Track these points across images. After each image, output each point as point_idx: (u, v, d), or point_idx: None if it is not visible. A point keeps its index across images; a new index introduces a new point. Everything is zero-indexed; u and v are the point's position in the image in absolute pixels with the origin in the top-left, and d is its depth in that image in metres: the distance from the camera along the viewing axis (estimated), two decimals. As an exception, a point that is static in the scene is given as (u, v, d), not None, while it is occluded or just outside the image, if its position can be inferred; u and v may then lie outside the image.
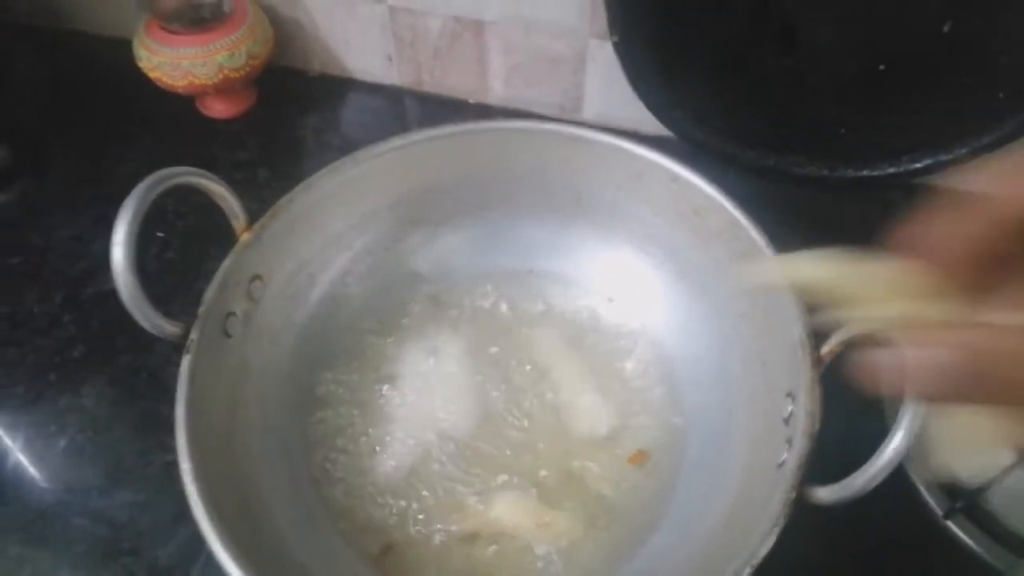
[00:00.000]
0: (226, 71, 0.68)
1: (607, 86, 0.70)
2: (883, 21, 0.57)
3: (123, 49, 0.71)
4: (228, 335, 0.40)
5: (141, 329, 0.58)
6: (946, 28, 0.56)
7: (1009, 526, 0.42)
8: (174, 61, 0.67)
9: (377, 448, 0.45)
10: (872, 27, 0.58)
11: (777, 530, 0.31)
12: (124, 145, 0.72)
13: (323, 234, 0.46)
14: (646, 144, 0.45)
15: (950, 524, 0.43)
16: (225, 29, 0.68)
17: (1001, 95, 0.57)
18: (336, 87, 0.78)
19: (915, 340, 0.20)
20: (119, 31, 0.79)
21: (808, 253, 0.25)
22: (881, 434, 0.42)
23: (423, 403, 0.47)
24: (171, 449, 0.52)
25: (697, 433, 0.43)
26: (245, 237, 0.41)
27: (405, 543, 0.42)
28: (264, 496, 0.39)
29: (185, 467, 0.33)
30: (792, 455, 0.33)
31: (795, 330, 0.36)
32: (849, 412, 0.36)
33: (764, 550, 0.31)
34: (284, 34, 0.76)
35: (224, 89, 0.71)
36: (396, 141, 0.46)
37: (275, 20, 0.74)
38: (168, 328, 0.37)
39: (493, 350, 0.49)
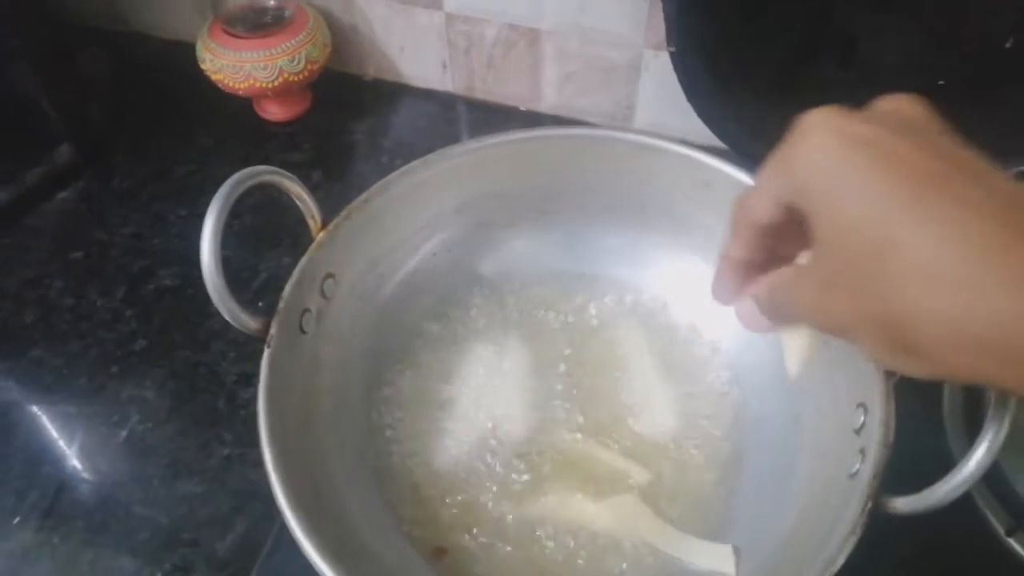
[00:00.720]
0: (286, 74, 0.70)
1: (659, 96, 0.70)
2: (943, 36, 0.57)
3: (185, 51, 0.73)
4: (303, 331, 0.41)
5: (198, 325, 0.60)
6: (1008, 44, 0.56)
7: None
8: (236, 64, 0.68)
9: (437, 441, 0.46)
10: (933, 43, 0.58)
11: (854, 539, 0.31)
12: (183, 145, 0.74)
13: (393, 235, 0.47)
14: (714, 154, 0.46)
15: (1012, 542, 0.43)
16: (286, 34, 0.69)
17: (1061, 112, 0.57)
18: (389, 92, 0.80)
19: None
20: (182, 35, 0.81)
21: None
22: (941, 446, 0.43)
23: (484, 403, 0.47)
24: (228, 443, 0.54)
25: (764, 441, 0.44)
26: (320, 236, 0.42)
27: (459, 542, 0.42)
28: (335, 484, 0.39)
29: (267, 454, 0.34)
30: (867, 465, 0.33)
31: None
32: (909, 423, 0.36)
33: (842, 559, 0.31)
34: (341, 40, 0.77)
35: (282, 92, 0.72)
36: (467, 145, 0.46)
37: (333, 26, 0.75)
38: (250, 323, 0.38)
39: (555, 352, 0.49)
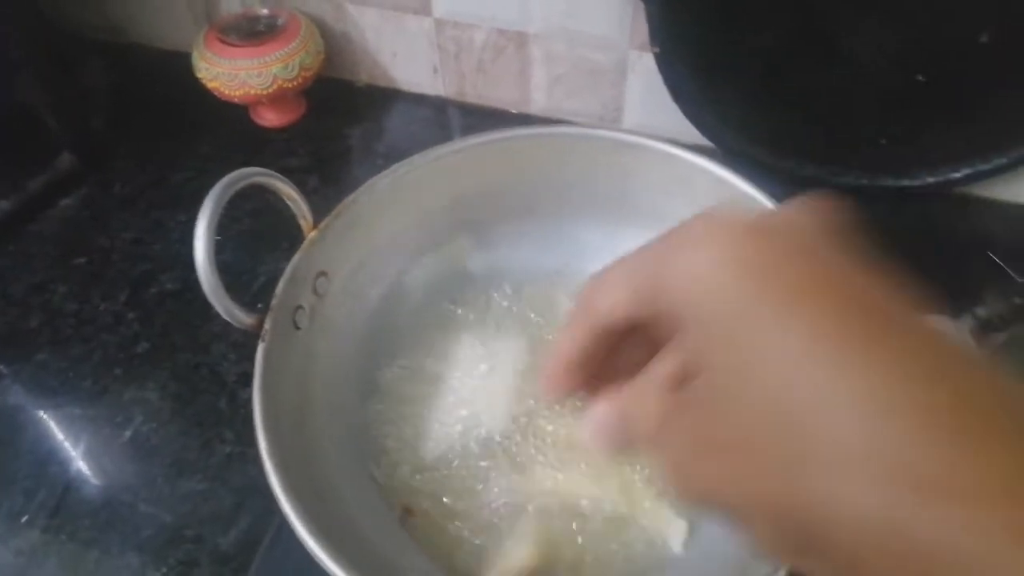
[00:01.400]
0: (280, 81, 0.71)
1: (647, 96, 0.71)
2: (922, 33, 0.58)
3: (181, 61, 0.75)
4: (297, 327, 0.42)
5: (199, 327, 0.61)
6: (984, 39, 0.57)
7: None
8: (231, 72, 0.70)
9: (427, 436, 0.47)
10: (911, 39, 0.59)
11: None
12: (181, 153, 0.75)
13: (382, 233, 0.48)
14: (693, 150, 0.47)
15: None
16: (279, 42, 0.71)
17: (1040, 105, 0.58)
18: (382, 98, 0.81)
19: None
20: (178, 44, 0.83)
21: None
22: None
23: (473, 398, 0.48)
24: (230, 441, 0.55)
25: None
26: (312, 235, 0.43)
27: (458, 534, 0.43)
28: (330, 475, 0.41)
29: (263, 445, 0.35)
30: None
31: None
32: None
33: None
34: (334, 47, 0.79)
35: (277, 99, 0.74)
36: (453, 145, 0.48)
37: (326, 33, 0.77)
38: (244, 319, 0.39)
39: (545, 346, 0.50)
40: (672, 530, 0.41)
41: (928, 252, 0.63)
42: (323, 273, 0.45)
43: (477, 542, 0.43)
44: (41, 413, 0.57)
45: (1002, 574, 0.16)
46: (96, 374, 0.59)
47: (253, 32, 0.73)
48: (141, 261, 0.66)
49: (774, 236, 0.21)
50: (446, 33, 0.74)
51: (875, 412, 0.17)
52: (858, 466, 0.17)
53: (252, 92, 0.71)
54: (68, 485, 0.53)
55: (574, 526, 0.42)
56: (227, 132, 0.77)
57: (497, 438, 0.47)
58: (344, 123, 0.78)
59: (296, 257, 0.42)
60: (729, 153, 0.67)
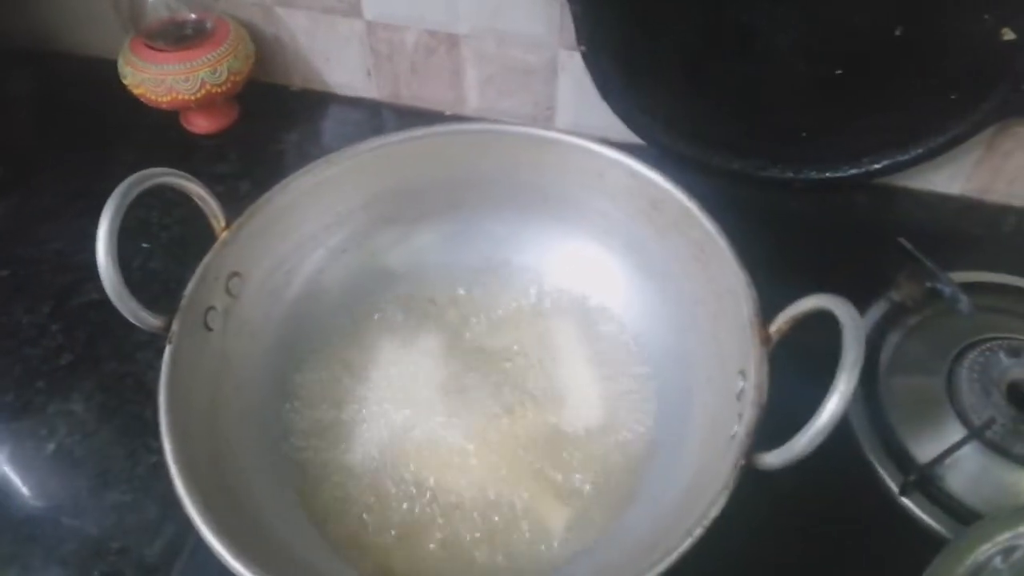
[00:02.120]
0: (208, 86, 0.70)
1: (578, 95, 0.72)
2: (837, 26, 0.60)
3: (108, 68, 0.73)
4: (209, 328, 0.42)
5: (125, 337, 0.60)
6: (898, 32, 0.58)
7: (962, 499, 0.44)
8: (158, 77, 0.69)
9: (349, 438, 0.47)
10: (827, 32, 0.60)
11: (727, 492, 0.33)
12: (109, 161, 0.74)
13: (299, 232, 0.48)
14: (606, 144, 0.48)
15: (904, 500, 0.45)
16: (207, 46, 0.70)
17: (953, 96, 0.60)
18: (317, 101, 0.81)
19: None
20: (104, 51, 0.81)
21: None
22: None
23: (396, 395, 0.48)
24: (156, 451, 0.54)
25: (663, 412, 0.45)
26: (224, 235, 0.43)
27: (374, 538, 0.43)
28: (247, 481, 0.40)
29: (168, 448, 0.35)
30: (742, 426, 0.35)
31: (744, 311, 0.39)
32: (806, 392, 0.38)
33: (715, 511, 0.32)
34: (266, 51, 0.78)
35: (207, 104, 0.73)
36: (370, 143, 0.48)
37: (257, 37, 0.76)
38: (151, 320, 0.38)
39: (466, 342, 0.50)
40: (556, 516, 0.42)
41: (848, 241, 0.65)
42: (236, 273, 0.44)
43: (392, 542, 0.43)
44: (-40, 429, 0.55)
45: None
46: (18, 388, 0.57)
47: (180, 37, 0.72)
48: (65, 272, 0.65)
49: None
50: (378, 35, 0.74)
51: None
52: None
53: (180, 98, 0.70)
54: (-11, 501, 0.51)
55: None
56: (155, 139, 0.76)
57: (424, 439, 0.46)
58: (278, 128, 0.78)
59: (207, 257, 0.42)
60: (659, 149, 0.68)
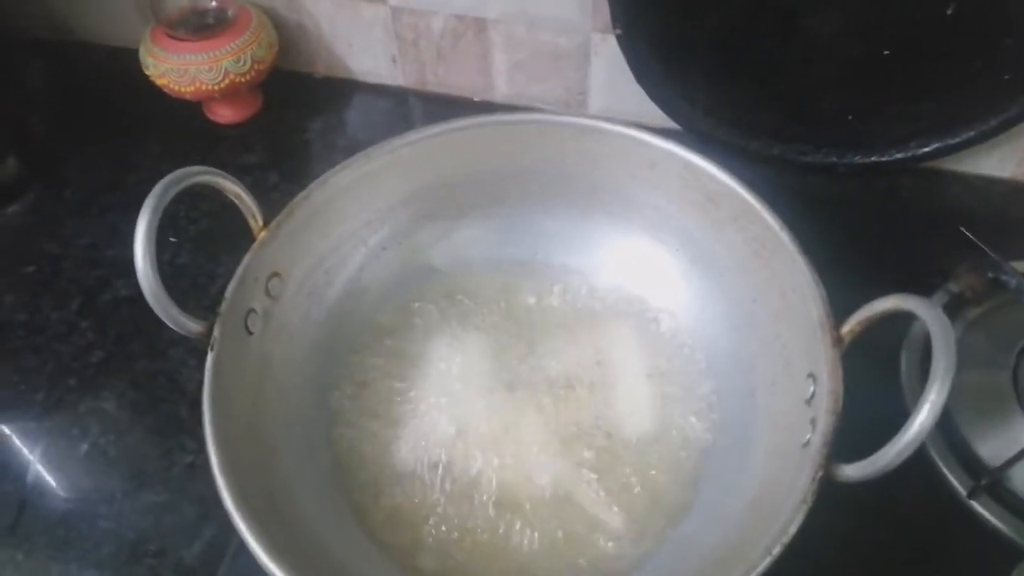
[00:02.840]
0: (232, 76, 0.69)
1: (611, 80, 0.70)
2: (886, 6, 0.58)
3: (129, 58, 0.72)
4: (249, 332, 0.41)
5: (157, 334, 0.59)
6: (949, 11, 0.56)
7: (1032, 503, 0.43)
8: (180, 68, 0.67)
9: (397, 441, 0.46)
10: (875, 13, 0.58)
11: (806, 508, 0.31)
12: (134, 153, 0.73)
13: (339, 230, 0.46)
14: (657, 133, 0.46)
15: (974, 503, 0.43)
16: (230, 35, 0.69)
17: (1007, 77, 0.58)
18: (341, 89, 0.79)
19: None
20: (125, 41, 0.80)
21: None
22: (901, 412, 0.43)
23: (440, 395, 0.47)
24: (192, 451, 0.53)
25: (721, 418, 0.44)
26: (262, 235, 0.41)
27: (425, 536, 0.42)
28: (289, 485, 0.39)
29: (213, 459, 0.34)
30: (817, 434, 0.33)
31: (813, 311, 0.37)
32: (868, 392, 0.37)
33: (794, 528, 0.31)
34: (288, 38, 0.76)
35: (230, 94, 0.71)
36: (409, 136, 0.46)
37: (279, 24, 0.74)
38: (191, 326, 0.37)
39: (510, 340, 0.49)
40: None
41: (899, 228, 0.62)
42: (276, 274, 0.43)
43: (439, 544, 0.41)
44: (-7, 428, 0.55)
45: None
46: (49, 386, 0.57)
47: (202, 26, 0.70)
48: (94, 267, 0.64)
49: None
50: (403, 20, 0.72)
51: None
52: None
53: (204, 88, 0.69)
54: (24, 502, 0.51)
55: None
56: (180, 130, 0.75)
57: (472, 440, 0.45)
58: (303, 117, 0.76)
59: (246, 259, 0.41)
60: (696, 135, 0.66)
